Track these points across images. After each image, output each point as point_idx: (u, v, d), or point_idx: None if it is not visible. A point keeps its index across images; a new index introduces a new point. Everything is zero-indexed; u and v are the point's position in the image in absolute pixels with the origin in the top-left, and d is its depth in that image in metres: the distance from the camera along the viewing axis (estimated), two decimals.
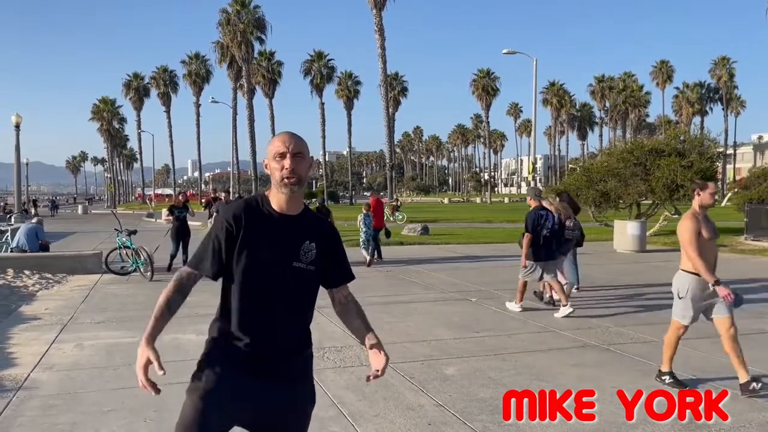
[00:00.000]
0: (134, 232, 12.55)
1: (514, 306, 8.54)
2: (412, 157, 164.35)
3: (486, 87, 75.20)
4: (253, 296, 2.23)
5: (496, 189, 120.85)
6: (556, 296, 8.52)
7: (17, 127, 24.70)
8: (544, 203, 8.74)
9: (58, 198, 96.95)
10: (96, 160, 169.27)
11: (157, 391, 2.19)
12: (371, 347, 2.37)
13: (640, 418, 4.39)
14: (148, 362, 2.16)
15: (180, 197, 14.94)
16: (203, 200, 22.23)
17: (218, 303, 2.32)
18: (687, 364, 5.72)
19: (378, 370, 2.34)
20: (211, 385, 2.18)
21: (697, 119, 75.88)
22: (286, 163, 2.21)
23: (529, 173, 33.29)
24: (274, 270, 2.22)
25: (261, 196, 2.34)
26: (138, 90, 73.75)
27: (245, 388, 2.21)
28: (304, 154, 2.26)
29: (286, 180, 2.22)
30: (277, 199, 2.28)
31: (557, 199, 9.64)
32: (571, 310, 7.87)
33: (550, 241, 8.38)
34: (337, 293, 2.45)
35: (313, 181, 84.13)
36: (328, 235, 2.37)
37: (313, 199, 34.10)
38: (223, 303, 2.30)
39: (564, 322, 7.57)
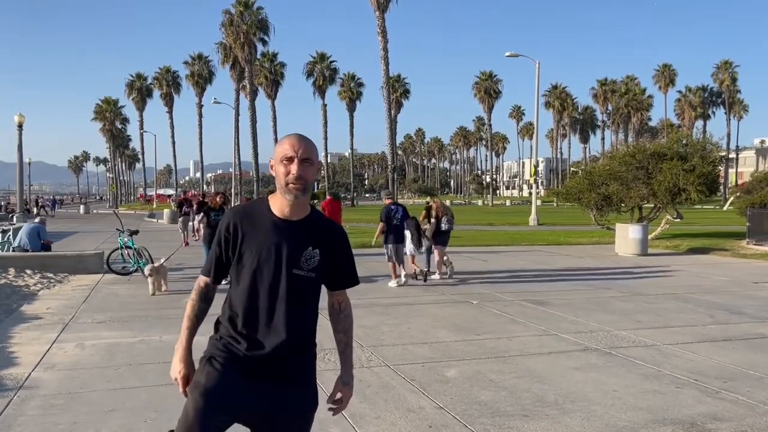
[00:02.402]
0: (136, 233, 12.56)
1: (392, 283, 10.62)
2: (413, 159, 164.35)
3: (488, 89, 75.19)
4: (251, 301, 2.23)
5: (497, 191, 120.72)
6: (432, 270, 11.67)
7: (20, 126, 24.76)
8: (432, 203, 12.05)
9: (61, 197, 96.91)
10: (98, 160, 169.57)
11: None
12: (340, 381, 2.43)
13: (641, 421, 4.38)
14: (187, 376, 2.31)
15: (219, 198, 13.01)
16: (177, 201, 21.82)
17: (221, 303, 2.36)
18: (687, 368, 5.72)
19: (336, 405, 2.42)
20: (212, 383, 2.19)
21: (699, 123, 75.91)
22: (293, 168, 2.18)
23: (531, 176, 33.26)
24: (273, 277, 2.21)
25: (263, 200, 2.32)
26: (141, 90, 73.85)
27: (246, 388, 2.21)
28: (312, 159, 2.22)
29: (291, 186, 2.18)
30: (280, 203, 2.25)
31: (436, 199, 12.43)
32: (403, 281, 10.69)
33: (399, 229, 10.86)
34: (334, 297, 2.44)
35: (315, 182, 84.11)
36: (333, 239, 2.34)
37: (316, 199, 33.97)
38: (226, 304, 2.32)
39: (565, 326, 7.57)
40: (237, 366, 2.22)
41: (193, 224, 20.08)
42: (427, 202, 12.44)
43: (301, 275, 2.24)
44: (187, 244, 19.16)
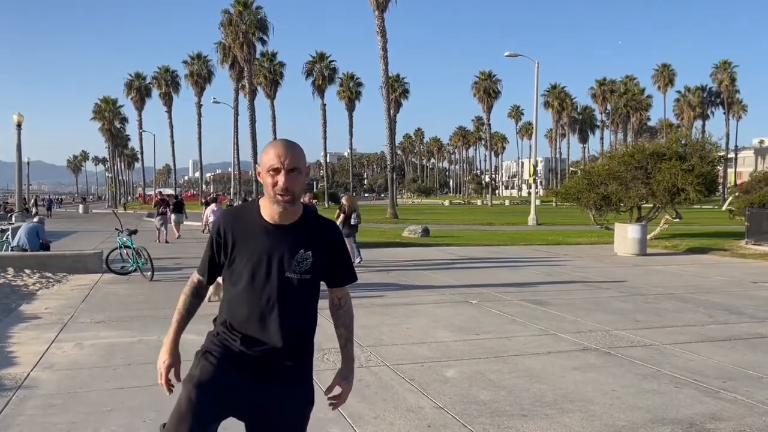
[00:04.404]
0: (135, 232, 12.54)
1: None
2: (413, 159, 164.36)
3: (487, 89, 75.22)
4: (245, 306, 2.24)
5: (497, 191, 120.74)
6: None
7: (19, 126, 24.74)
8: (344, 200, 13.59)
9: (59, 197, 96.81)
10: (97, 160, 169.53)
11: (171, 390, 2.39)
12: (339, 375, 2.42)
13: (640, 421, 4.38)
14: (171, 366, 2.38)
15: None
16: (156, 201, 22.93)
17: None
18: (686, 368, 5.72)
19: (335, 400, 2.41)
20: (206, 376, 2.20)
21: (698, 123, 75.94)
22: (280, 179, 2.14)
23: (530, 176, 33.27)
24: (266, 282, 2.22)
25: (254, 203, 2.33)
26: (140, 90, 73.78)
27: (241, 383, 2.22)
28: (300, 168, 2.17)
29: (279, 197, 2.16)
30: (269, 210, 2.24)
31: (347, 195, 14.11)
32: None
33: None
34: (334, 293, 2.44)
35: (314, 183, 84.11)
36: (326, 238, 2.32)
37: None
38: (223, 307, 2.34)
39: (564, 326, 7.56)
40: (232, 360, 2.23)
41: (171, 224, 21.56)
42: (342, 201, 14.13)
43: (295, 278, 2.24)
44: (166, 241, 20.16)
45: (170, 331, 2.39)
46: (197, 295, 2.43)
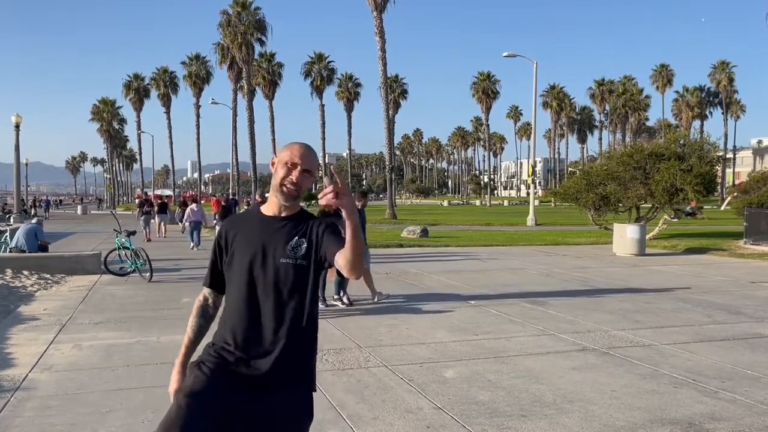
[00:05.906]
0: (133, 233, 12.53)
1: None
2: (411, 160, 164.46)
3: (486, 90, 75.19)
4: (243, 296, 2.26)
5: (495, 192, 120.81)
6: None
7: (17, 127, 24.69)
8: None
9: (59, 198, 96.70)
10: (96, 161, 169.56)
11: None
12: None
13: (639, 421, 4.38)
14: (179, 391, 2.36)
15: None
16: (139, 200, 23.82)
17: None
18: (685, 368, 5.72)
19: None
20: (198, 386, 2.19)
21: (697, 123, 76.03)
22: (294, 174, 2.28)
23: (528, 176, 33.31)
24: (261, 269, 2.25)
25: (255, 208, 2.44)
26: (138, 91, 73.64)
27: (234, 393, 2.20)
28: (312, 172, 2.32)
29: (286, 188, 2.28)
30: (270, 203, 2.35)
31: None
32: None
33: None
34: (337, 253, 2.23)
35: (314, 184, 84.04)
36: (319, 227, 2.31)
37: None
38: (224, 308, 2.37)
39: (563, 326, 7.56)
40: (226, 371, 2.23)
41: (154, 222, 22.29)
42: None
43: (290, 263, 2.25)
44: (149, 240, 20.55)
45: (180, 354, 2.42)
46: (204, 315, 2.45)
